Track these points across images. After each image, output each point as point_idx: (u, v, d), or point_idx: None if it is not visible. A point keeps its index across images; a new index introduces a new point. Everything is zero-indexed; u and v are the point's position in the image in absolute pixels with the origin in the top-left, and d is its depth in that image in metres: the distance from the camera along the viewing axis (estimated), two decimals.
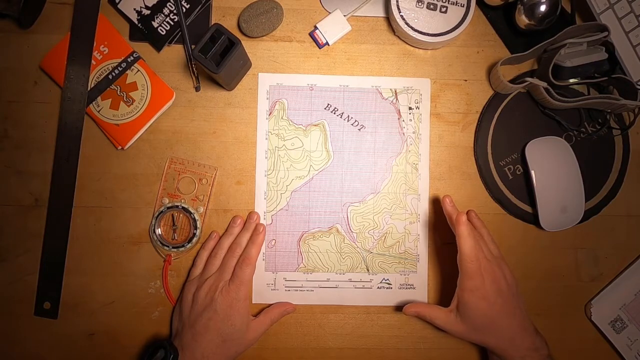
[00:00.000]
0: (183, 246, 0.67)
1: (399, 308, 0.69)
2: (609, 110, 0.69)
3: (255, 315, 0.66)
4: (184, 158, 0.69)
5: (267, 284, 0.68)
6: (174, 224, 0.68)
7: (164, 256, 0.68)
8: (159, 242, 0.67)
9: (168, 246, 0.67)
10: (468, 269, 0.60)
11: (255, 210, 0.69)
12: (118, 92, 0.68)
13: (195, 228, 0.67)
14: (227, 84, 0.67)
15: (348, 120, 0.70)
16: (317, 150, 0.69)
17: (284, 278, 0.68)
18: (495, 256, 0.64)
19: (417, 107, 0.70)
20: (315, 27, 0.69)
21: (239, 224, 0.68)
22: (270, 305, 0.67)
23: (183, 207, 0.67)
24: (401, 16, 0.67)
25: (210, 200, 0.69)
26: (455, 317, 0.62)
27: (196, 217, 0.67)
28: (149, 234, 0.68)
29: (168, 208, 0.67)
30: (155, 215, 0.67)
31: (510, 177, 0.70)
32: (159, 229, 0.68)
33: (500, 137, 0.70)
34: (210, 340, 0.62)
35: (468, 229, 0.61)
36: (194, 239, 0.67)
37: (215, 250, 0.67)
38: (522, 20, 0.66)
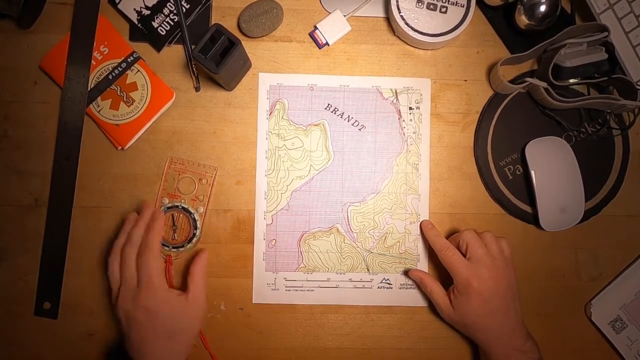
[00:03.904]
0: (183, 246, 0.67)
1: (399, 308, 0.69)
2: (609, 111, 0.69)
3: (184, 290, 0.62)
4: (184, 158, 0.69)
5: (267, 283, 0.68)
6: (174, 224, 0.68)
7: (164, 257, 0.68)
8: None
9: (168, 246, 0.67)
10: (443, 260, 0.64)
11: (255, 210, 0.69)
12: (118, 92, 0.68)
13: (195, 228, 0.67)
14: (227, 84, 0.67)
15: (348, 120, 0.70)
16: (318, 150, 0.69)
17: (284, 278, 0.68)
18: (495, 257, 0.63)
19: (418, 107, 0.70)
20: (315, 27, 0.69)
21: (132, 220, 0.63)
22: (193, 268, 0.63)
23: (183, 207, 0.67)
24: (401, 16, 0.67)
25: (210, 200, 0.69)
26: (449, 302, 0.64)
27: (196, 217, 0.67)
28: None
29: (168, 208, 0.67)
30: None
31: (510, 177, 0.70)
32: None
33: (500, 137, 0.70)
34: (155, 348, 0.59)
35: (429, 224, 0.68)
36: (194, 239, 0.67)
37: (110, 258, 0.62)
38: (522, 20, 0.66)
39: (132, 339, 0.60)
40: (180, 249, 0.67)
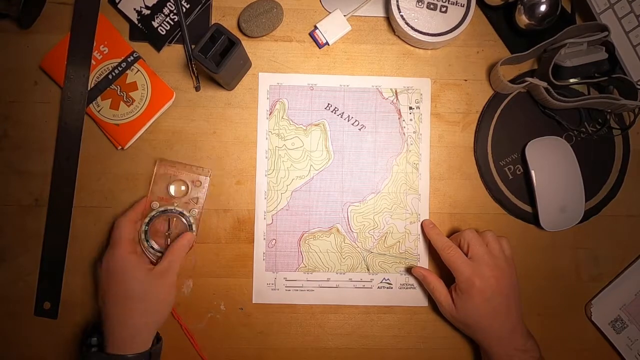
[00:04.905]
0: None
1: (399, 308, 0.69)
2: (609, 110, 0.69)
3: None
4: (174, 160, 0.67)
5: (267, 283, 0.68)
6: (168, 229, 0.65)
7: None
8: (151, 250, 0.64)
9: (162, 252, 0.64)
10: (446, 259, 0.63)
11: (256, 210, 0.68)
12: (118, 92, 0.68)
13: (191, 232, 0.65)
14: (227, 84, 0.67)
15: (348, 120, 0.70)
16: (318, 150, 0.69)
17: (284, 278, 0.68)
18: (497, 256, 0.63)
19: (418, 107, 0.70)
20: (315, 27, 0.69)
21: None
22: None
23: (177, 211, 0.65)
24: (401, 16, 0.67)
25: (205, 203, 0.67)
26: (451, 300, 0.63)
27: (191, 221, 0.65)
28: (140, 241, 0.64)
29: (161, 212, 0.64)
30: (146, 221, 0.64)
31: (510, 177, 0.70)
32: (152, 240, 0.64)
33: (500, 137, 0.70)
34: (115, 311, 0.59)
35: (431, 224, 0.68)
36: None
37: None
38: (522, 20, 0.66)
39: (99, 302, 0.62)
40: None
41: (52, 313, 0.67)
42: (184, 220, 0.66)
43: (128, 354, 0.58)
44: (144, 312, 0.60)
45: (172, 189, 0.66)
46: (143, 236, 0.64)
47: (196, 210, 0.66)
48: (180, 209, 0.65)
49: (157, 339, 0.63)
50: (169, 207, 0.65)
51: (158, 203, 0.65)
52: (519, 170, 0.70)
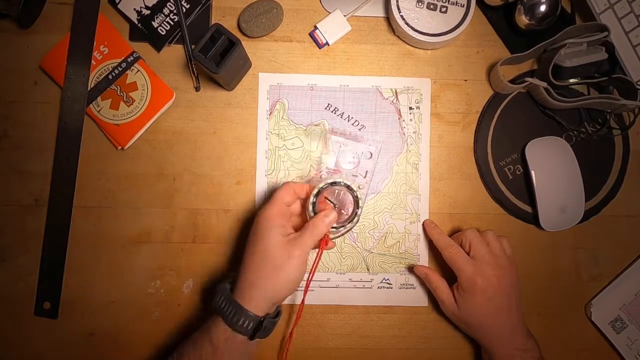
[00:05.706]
0: (344, 226, 0.61)
1: (399, 308, 0.69)
2: (609, 110, 0.69)
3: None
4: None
5: None
6: (335, 202, 0.61)
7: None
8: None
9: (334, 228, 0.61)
10: (448, 258, 0.63)
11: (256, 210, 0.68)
12: (118, 92, 0.68)
13: (358, 207, 0.61)
14: (227, 84, 0.68)
15: (348, 120, 0.70)
16: (318, 150, 0.69)
17: None
18: (498, 255, 0.63)
19: (418, 107, 0.70)
20: (315, 27, 0.69)
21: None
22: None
23: (345, 184, 0.61)
24: (401, 16, 0.67)
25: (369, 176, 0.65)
26: (453, 298, 0.63)
27: (358, 196, 0.61)
28: (307, 213, 0.61)
29: (330, 184, 0.61)
30: (315, 192, 0.60)
31: (510, 177, 0.70)
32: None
33: (500, 137, 0.70)
34: (245, 261, 0.58)
35: (432, 224, 0.68)
36: (355, 219, 0.61)
37: None
38: (522, 20, 0.66)
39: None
40: (340, 229, 0.62)
41: (52, 313, 0.67)
42: (350, 194, 0.62)
43: (246, 308, 0.56)
44: (266, 278, 0.56)
45: (341, 160, 0.65)
46: (311, 208, 0.61)
47: (363, 185, 0.63)
48: (347, 182, 0.62)
49: (277, 312, 0.60)
50: (337, 180, 0.62)
51: (326, 173, 0.65)
52: (519, 170, 0.70)
